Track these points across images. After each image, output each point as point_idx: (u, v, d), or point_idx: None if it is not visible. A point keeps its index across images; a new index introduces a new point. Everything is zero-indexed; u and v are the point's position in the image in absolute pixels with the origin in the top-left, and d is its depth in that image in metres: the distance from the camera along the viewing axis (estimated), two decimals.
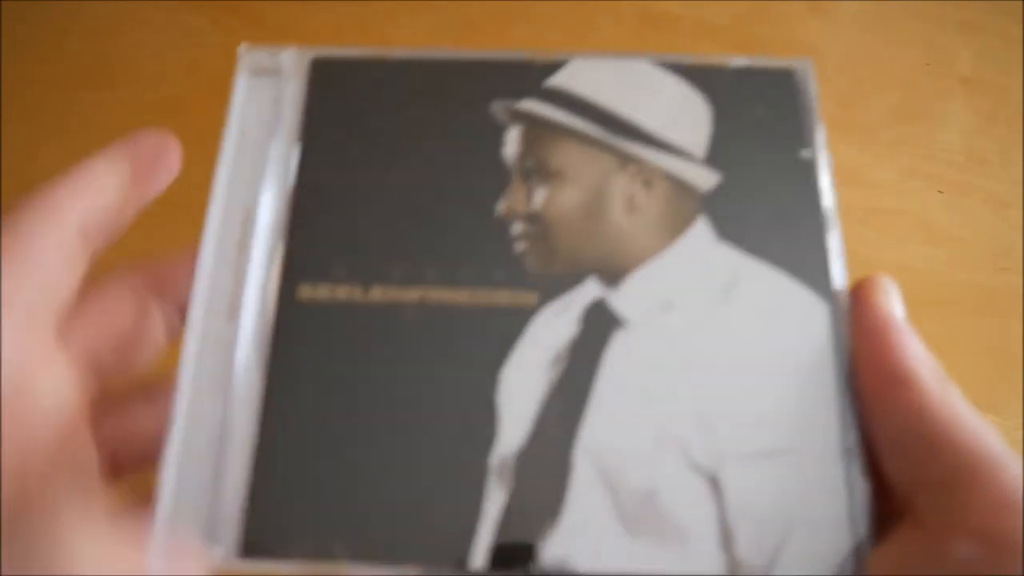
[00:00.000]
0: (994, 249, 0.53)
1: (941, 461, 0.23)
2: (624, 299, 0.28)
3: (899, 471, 0.25)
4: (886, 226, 0.54)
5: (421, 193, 0.30)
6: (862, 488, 0.26)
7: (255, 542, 0.25)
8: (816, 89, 0.31)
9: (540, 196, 0.29)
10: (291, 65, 0.32)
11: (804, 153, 0.30)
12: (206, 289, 0.28)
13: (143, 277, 0.28)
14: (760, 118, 0.31)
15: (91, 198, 0.27)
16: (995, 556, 0.21)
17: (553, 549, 0.25)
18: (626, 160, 0.30)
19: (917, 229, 0.54)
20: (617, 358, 0.27)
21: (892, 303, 0.27)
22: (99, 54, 0.58)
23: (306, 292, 0.28)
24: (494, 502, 0.26)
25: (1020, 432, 0.48)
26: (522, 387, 0.27)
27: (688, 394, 0.27)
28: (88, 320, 0.27)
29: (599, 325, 0.28)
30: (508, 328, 0.28)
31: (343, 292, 0.28)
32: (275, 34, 0.58)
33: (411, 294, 0.28)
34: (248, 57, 0.32)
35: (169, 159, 0.29)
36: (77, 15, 0.59)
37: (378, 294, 0.28)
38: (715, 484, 0.26)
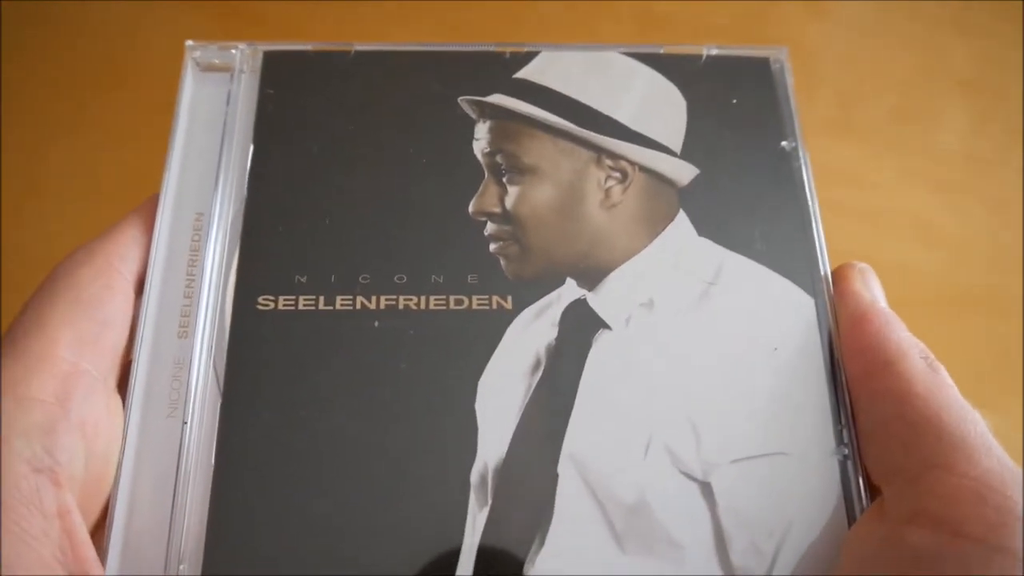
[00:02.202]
0: (992, 249, 0.53)
1: (920, 446, 0.23)
2: (605, 300, 0.27)
3: (877, 459, 0.24)
4: (884, 226, 0.53)
5: (387, 194, 0.28)
6: (858, 484, 0.25)
7: (221, 565, 0.23)
8: (792, 78, 0.30)
9: (513, 194, 0.28)
10: (243, 60, 0.30)
11: (784, 144, 0.29)
12: (156, 305, 0.26)
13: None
14: (737, 109, 0.30)
15: (141, 255, 0.27)
16: (948, 545, 0.21)
17: (540, 568, 0.24)
18: (600, 153, 0.29)
19: (915, 229, 0.54)
20: (600, 361, 0.26)
21: (873, 289, 0.27)
22: (104, 55, 0.56)
23: (266, 304, 0.26)
24: (476, 521, 0.24)
25: (1020, 432, 0.47)
26: (501, 396, 0.25)
27: (675, 398, 0.25)
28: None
29: (580, 327, 0.26)
30: (484, 334, 0.26)
31: (307, 302, 0.26)
32: (276, 34, 0.57)
33: (380, 302, 0.26)
34: (195, 52, 0.30)
35: None
36: (81, 17, 0.57)
37: (344, 303, 0.26)
38: (707, 491, 0.25)
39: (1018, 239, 0.53)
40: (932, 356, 0.25)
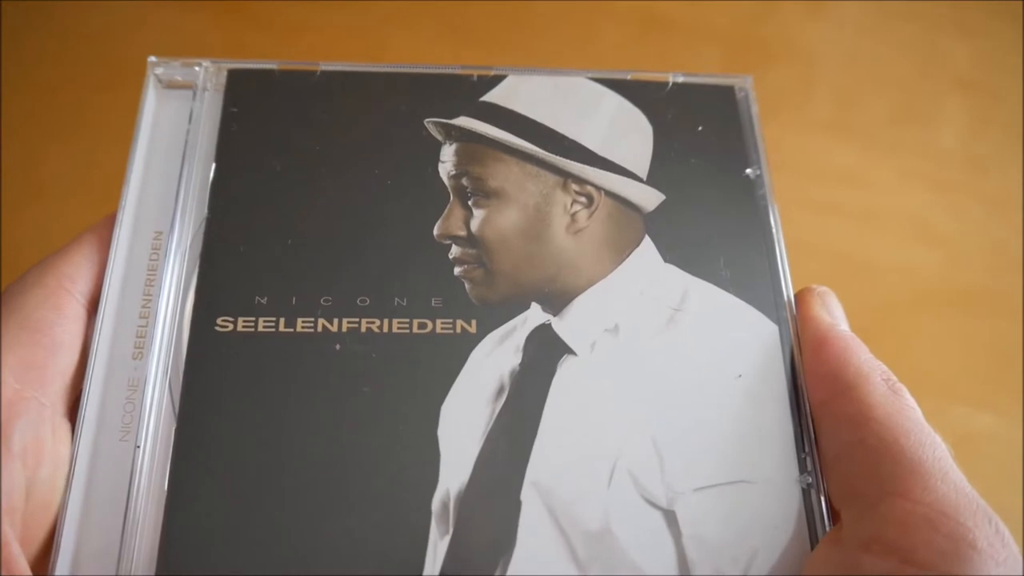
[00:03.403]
0: (991, 249, 0.53)
1: (878, 472, 0.23)
2: (570, 325, 0.27)
3: (839, 484, 0.24)
4: (883, 227, 0.54)
5: (351, 215, 0.28)
6: (822, 512, 0.25)
7: None
8: (756, 107, 0.30)
9: (478, 217, 0.28)
10: (206, 78, 0.29)
11: (749, 171, 0.29)
12: (111, 324, 0.25)
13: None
14: (703, 136, 0.30)
15: (95, 275, 0.26)
16: (902, 572, 0.20)
17: None
18: (567, 178, 0.29)
19: (914, 230, 0.54)
20: (564, 387, 0.26)
21: (834, 312, 0.27)
22: (103, 56, 0.56)
23: (225, 325, 0.26)
24: (437, 549, 0.24)
25: (1019, 431, 0.47)
26: (464, 422, 0.25)
27: (640, 425, 0.25)
28: None
29: (544, 352, 0.26)
30: (447, 359, 0.26)
31: (267, 324, 0.26)
32: (276, 35, 0.57)
33: (341, 325, 0.26)
34: (157, 68, 0.29)
35: None
36: (81, 17, 0.57)
37: (305, 325, 0.26)
38: (671, 518, 0.24)
39: (1017, 239, 0.53)
40: (894, 378, 0.25)
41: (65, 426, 0.24)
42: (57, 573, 0.22)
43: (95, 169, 0.50)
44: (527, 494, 0.24)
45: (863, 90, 0.58)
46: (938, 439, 0.23)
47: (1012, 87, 0.59)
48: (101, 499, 0.23)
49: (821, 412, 0.25)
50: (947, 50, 0.60)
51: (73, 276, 0.25)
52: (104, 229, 0.27)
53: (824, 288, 0.27)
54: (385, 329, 0.26)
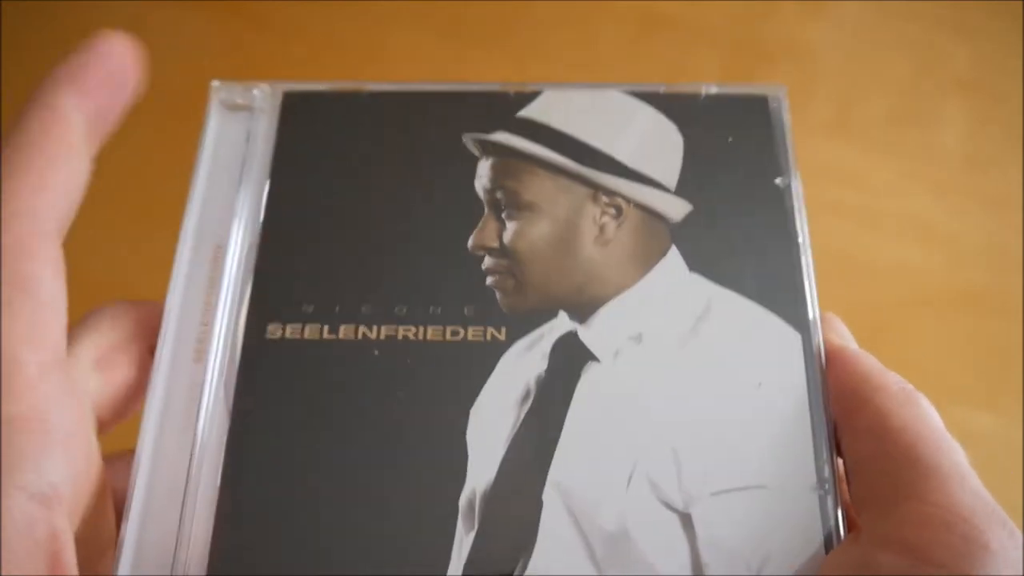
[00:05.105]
0: (991, 249, 0.53)
1: (897, 478, 0.23)
2: (595, 333, 0.28)
3: (859, 492, 0.25)
4: (884, 228, 0.54)
5: (392, 228, 0.30)
6: (837, 520, 0.25)
7: None
8: (789, 116, 0.31)
9: (511, 229, 0.29)
10: (263, 100, 0.32)
11: (778, 181, 0.30)
12: (174, 330, 0.28)
13: (134, 321, 0.28)
14: (733, 146, 0.30)
15: (96, 96, 0.26)
16: (915, 570, 0.21)
17: None
18: (597, 191, 0.30)
19: (914, 230, 0.54)
20: (587, 393, 0.27)
21: (841, 333, 0.28)
22: None
23: (275, 332, 0.28)
24: (463, 544, 0.25)
25: (1019, 431, 0.47)
26: (491, 425, 0.27)
27: (659, 429, 0.26)
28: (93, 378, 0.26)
29: (569, 359, 0.27)
30: (477, 365, 0.27)
31: (312, 331, 0.28)
32: (275, 35, 0.58)
33: (380, 332, 0.28)
34: (220, 91, 0.32)
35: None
36: (81, 17, 0.59)
37: (347, 332, 0.28)
38: (687, 521, 0.25)
39: (1018, 239, 0.53)
40: (910, 387, 0.25)
41: (81, 391, 0.25)
42: (123, 556, 0.25)
43: (95, 169, 0.53)
44: (548, 495, 0.26)
45: (863, 90, 0.58)
46: (956, 445, 0.24)
47: (1012, 87, 0.57)
48: (160, 494, 0.26)
49: (842, 426, 0.26)
50: (947, 50, 0.59)
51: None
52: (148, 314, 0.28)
53: (829, 313, 0.28)
54: (421, 336, 0.28)
